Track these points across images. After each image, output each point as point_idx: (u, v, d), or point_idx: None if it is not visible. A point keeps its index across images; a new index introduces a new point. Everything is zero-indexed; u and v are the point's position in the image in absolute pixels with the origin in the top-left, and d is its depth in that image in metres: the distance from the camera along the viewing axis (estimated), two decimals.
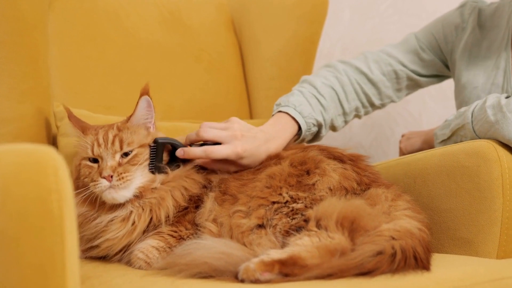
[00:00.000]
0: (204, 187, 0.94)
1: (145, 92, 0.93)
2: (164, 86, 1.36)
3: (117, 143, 0.89)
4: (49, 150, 0.61)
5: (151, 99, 0.94)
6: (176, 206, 0.90)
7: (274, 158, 0.96)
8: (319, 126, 1.15)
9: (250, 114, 1.51)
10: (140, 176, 0.89)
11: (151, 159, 0.93)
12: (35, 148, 0.61)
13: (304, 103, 1.13)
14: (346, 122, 1.24)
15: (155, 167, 0.93)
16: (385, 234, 0.77)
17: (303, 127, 1.10)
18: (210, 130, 0.97)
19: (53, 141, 1.15)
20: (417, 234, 0.78)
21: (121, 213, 0.88)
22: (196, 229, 0.89)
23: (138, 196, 0.89)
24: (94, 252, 0.90)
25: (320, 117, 1.14)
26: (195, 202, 0.92)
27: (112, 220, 0.88)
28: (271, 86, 1.48)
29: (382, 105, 1.28)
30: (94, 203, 0.89)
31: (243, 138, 0.97)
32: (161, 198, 0.90)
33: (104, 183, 0.86)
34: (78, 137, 0.94)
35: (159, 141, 0.93)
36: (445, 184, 0.97)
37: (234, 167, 0.98)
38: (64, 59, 1.24)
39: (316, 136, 1.18)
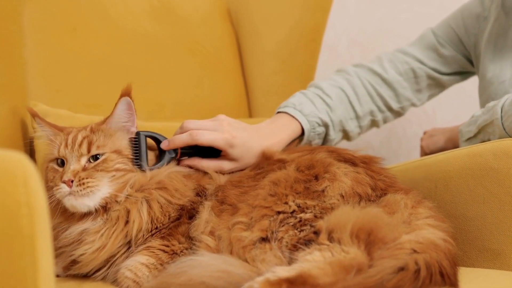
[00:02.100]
0: (198, 194, 0.92)
1: (126, 93, 0.91)
2: (153, 82, 1.35)
3: (84, 145, 0.88)
4: (19, 156, 0.57)
5: (132, 101, 0.92)
6: (156, 218, 0.88)
7: (278, 162, 0.94)
8: (326, 126, 1.15)
9: (249, 112, 1.51)
10: (107, 185, 0.87)
11: (134, 155, 0.92)
12: (2, 154, 0.57)
13: (306, 102, 1.13)
14: (361, 127, 1.23)
15: (138, 164, 0.92)
16: (406, 246, 0.75)
17: (306, 126, 1.10)
18: (193, 121, 0.98)
19: (30, 145, 1.12)
20: (442, 246, 0.76)
21: (92, 225, 0.87)
22: (191, 243, 0.87)
23: (105, 207, 0.87)
24: (75, 269, 0.88)
25: (326, 116, 1.14)
26: (189, 212, 0.90)
27: (84, 232, 0.86)
28: (273, 82, 1.48)
29: (402, 109, 1.27)
30: (65, 212, 0.88)
31: (232, 126, 0.98)
32: (129, 210, 0.88)
33: (64, 188, 0.85)
34: (49, 138, 0.94)
35: (141, 133, 0.93)
36: (471, 189, 0.95)
37: (226, 162, 0.97)
38: (42, 53, 1.22)
39: (325, 139, 1.17)
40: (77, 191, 0.84)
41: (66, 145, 0.89)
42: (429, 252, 0.74)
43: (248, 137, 0.99)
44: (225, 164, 0.98)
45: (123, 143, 0.92)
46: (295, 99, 1.13)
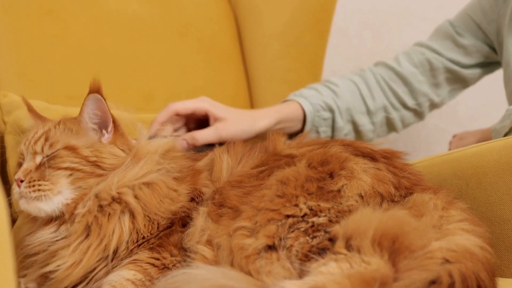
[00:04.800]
0: (192, 199, 0.91)
1: (94, 89, 0.89)
2: (141, 70, 1.34)
3: (40, 142, 0.88)
4: None
5: (104, 98, 0.90)
6: (139, 230, 0.87)
7: (285, 158, 0.92)
8: (331, 111, 1.19)
9: (251, 101, 1.51)
10: (68, 189, 0.87)
11: None
12: None
13: (307, 90, 1.19)
14: (373, 124, 1.25)
15: None
16: (437, 255, 0.73)
17: (307, 108, 1.15)
18: (178, 102, 1.07)
19: (0, 140, 1.11)
20: (479, 255, 0.74)
21: (56, 234, 0.86)
22: (185, 255, 0.85)
23: (67, 215, 0.86)
24: (48, 285, 0.87)
25: (330, 101, 1.18)
26: (182, 220, 0.89)
27: (55, 244, 0.85)
28: (277, 67, 1.47)
29: (419, 106, 1.28)
30: (31, 215, 0.90)
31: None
32: (101, 223, 0.86)
33: (16, 189, 0.86)
34: None
35: None
36: (509, 187, 0.93)
37: (220, 124, 1.06)
38: (14, 37, 1.20)
39: (334, 127, 1.19)
40: (27, 193, 0.85)
41: (26, 141, 0.89)
42: (464, 262, 0.71)
43: (232, 109, 1.10)
44: (219, 125, 1.06)
45: (87, 142, 0.90)
46: (298, 92, 1.18)
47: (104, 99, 0.90)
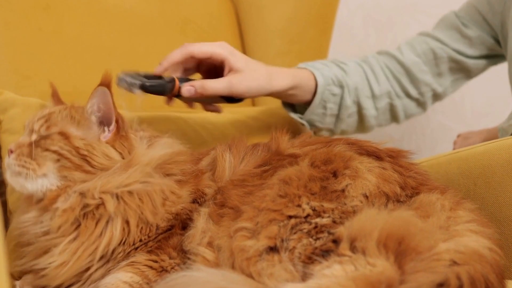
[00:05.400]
0: (195, 201, 0.90)
1: (104, 83, 0.90)
2: (139, 66, 1.26)
3: (40, 122, 0.90)
4: None
5: (111, 93, 0.90)
6: (133, 233, 0.86)
7: (288, 157, 0.92)
8: (341, 87, 1.19)
9: (253, 99, 1.49)
10: (54, 175, 0.87)
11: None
12: None
13: (318, 64, 1.20)
14: (377, 109, 1.25)
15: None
16: (445, 257, 0.72)
17: (319, 79, 1.14)
18: (195, 43, 1.05)
19: None
20: (487, 257, 0.73)
21: (42, 221, 0.86)
22: (185, 258, 0.85)
23: (47, 201, 0.87)
24: (43, 280, 0.87)
25: (341, 78, 1.19)
26: (182, 222, 0.89)
27: (45, 236, 0.86)
28: (279, 64, 1.39)
29: (421, 96, 1.28)
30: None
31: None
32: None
33: (6, 159, 0.89)
34: None
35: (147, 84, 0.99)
36: None
37: (234, 76, 1.03)
38: (9, 33, 1.20)
39: (341, 105, 1.20)
40: (12, 166, 0.87)
41: (32, 117, 0.92)
42: (472, 263, 0.71)
43: (248, 59, 1.07)
44: (234, 78, 1.02)
45: (83, 134, 0.90)
46: (307, 64, 1.17)
47: (111, 94, 0.90)
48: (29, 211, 0.89)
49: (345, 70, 1.20)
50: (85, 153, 0.88)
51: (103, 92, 0.89)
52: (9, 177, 0.88)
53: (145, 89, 0.98)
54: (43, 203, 0.87)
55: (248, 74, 1.04)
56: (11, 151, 0.88)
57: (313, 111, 1.17)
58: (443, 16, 1.31)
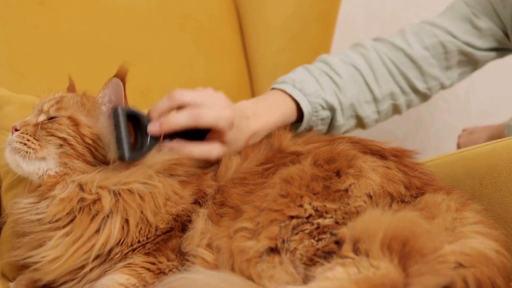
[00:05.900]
0: (196, 202, 0.90)
1: (119, 75, 0.90)
2: (138, 63, 1.33)
3: (50, 103, 0.90)
4: None
5: (124, 86, 0.89)
6: (132, 233, 0.85)
7: (290, 155, 0.91)
8: (332, 110, 1.15)
9: (252, 96, 1.50)
10: (54, 160, 0.88)
11: (115, 135, 0.85)
12: None
13: (308, 79, 1.12)
14: (379, 113, 1.23)
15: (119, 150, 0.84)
16: (450, 259, 0.72)
17: (306, 109, 1.09)
18: (186, 92, 0.93)
19: None
20: (494, 259, 0.73)
21: (39, 208, 0.86)
22: (183, 260, 0.85)
23: (44, 188, 0.87)
24: (37, 274, 0.87)
25: (333, 98, 1.14)
26: (182, 224, 0.88)
27: (41, 225, 0.85)
28: (280, 61, 1.47)
29: (429, 90, 1.25)
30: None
31: (225, 100, 0.95)
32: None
33: (8, 136, 0.89)
34: None
35: (120, 109, 0.85)
36: None
37: (217, 145, 0.94)
38: (5, 29, 1.20)
39: (331, 125, 1.16)
40: (13, 142, 0.87)
41: (43, 99, 0.92)
42: (478, 266, 0.71)
43: (239, 119, 0.97)
44: (215, 149, 0.94)
45: (92, 123, 0.90)
46: (296, 75, 1.12)
47: (125, 88, 0.89)
48: (27, 197, 0.89)
49: (339, 85, 1.15)
50: (90, 142, 0.89)
51: (117, 84, 0.89)
52: (7, 154, 0.88)
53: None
54: (41, 189, 0.87)
55: (231, 148, 0.96)
56: (16, 129, 0.88)
57: (301, 131, 1.14)
58: (453, 3, 1.27)
